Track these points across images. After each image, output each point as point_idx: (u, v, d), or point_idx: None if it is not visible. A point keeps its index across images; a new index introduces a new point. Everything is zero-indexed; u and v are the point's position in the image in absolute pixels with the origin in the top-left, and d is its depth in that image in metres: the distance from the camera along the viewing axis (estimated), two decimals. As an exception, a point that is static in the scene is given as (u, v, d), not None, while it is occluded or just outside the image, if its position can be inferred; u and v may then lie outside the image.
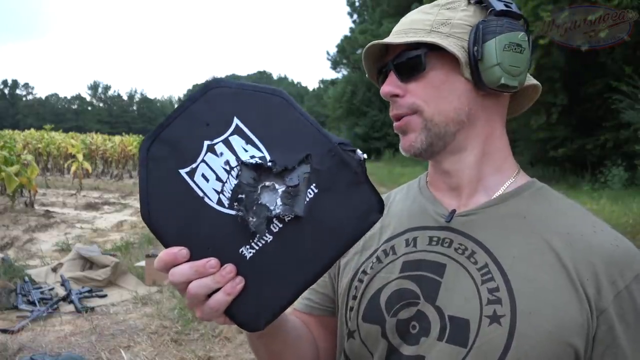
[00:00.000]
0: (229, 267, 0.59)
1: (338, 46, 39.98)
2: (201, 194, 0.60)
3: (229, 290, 0.59)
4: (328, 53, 59.23)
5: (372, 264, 0.78)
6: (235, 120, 0.63)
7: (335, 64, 41.49)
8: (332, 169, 0.61)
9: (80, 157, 12.53)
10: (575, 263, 0.66)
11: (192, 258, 0.58)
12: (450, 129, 0.73)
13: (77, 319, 3.86)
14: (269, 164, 0.61)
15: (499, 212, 0.73)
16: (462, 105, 0.73)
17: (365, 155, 0.63)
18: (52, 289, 4.35)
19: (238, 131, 0.62)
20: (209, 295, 0.58)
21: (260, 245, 0.60)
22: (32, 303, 4.02)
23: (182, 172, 0.61)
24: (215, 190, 0.60)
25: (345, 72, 39.44)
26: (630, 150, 9.81)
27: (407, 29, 0.74)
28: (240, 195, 0.60)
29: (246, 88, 0.65)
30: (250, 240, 0.60)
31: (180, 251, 0.59)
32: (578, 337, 0.63)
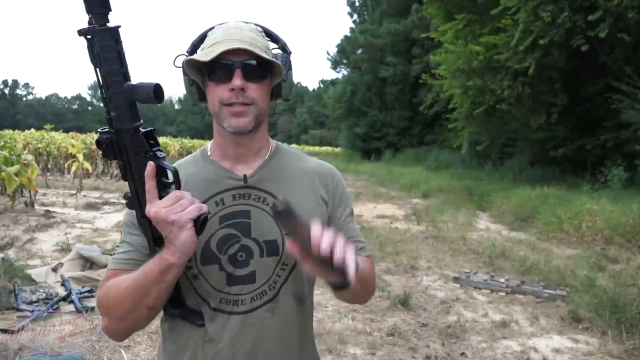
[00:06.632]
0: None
1: (338, 46, 39.99)
2: None
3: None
4: (328, 53, 59.30)
5: None
6: None
7: (335, 64, 41.41)
8: None
9: (80, 157, 12.52)
10: (315, 186, 1.13)
11: None
12: (263, 118, 1.08)
13: (78, 319, 3.85)
14: None
15: (272, 168, 1.12)
16: (267, 104, 1.08)
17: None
18: (52, 289, 4.35)
19: None
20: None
21: None
22: (32, 303, 4.02)
23: None
24: None
25: (345, 72, 39.41)
26: (630, 150, 9.80)
27: (252, 44, 0.99)
28: None
29: None
30: None
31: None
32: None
